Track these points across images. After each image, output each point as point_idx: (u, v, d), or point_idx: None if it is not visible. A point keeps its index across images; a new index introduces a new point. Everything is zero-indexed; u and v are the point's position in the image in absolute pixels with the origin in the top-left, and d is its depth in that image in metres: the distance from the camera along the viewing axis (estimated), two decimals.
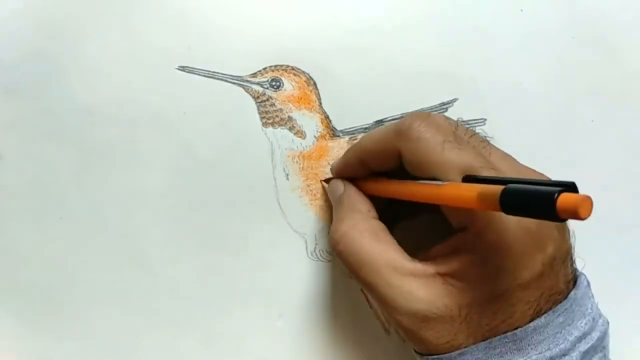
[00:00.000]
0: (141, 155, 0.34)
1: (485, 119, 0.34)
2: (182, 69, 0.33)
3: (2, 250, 0.34)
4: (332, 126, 0.34)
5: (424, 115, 0.27)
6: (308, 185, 0.34)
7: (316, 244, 0.34)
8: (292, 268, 0.34)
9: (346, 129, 0.34)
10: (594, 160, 0.34)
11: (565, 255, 0.26)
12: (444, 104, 0.34)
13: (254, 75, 0.33)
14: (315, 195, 0.34)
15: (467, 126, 0.34)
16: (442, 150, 0.25)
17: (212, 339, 0.34)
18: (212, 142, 0.34)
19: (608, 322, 0.27)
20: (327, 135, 0.34)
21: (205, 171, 0.34)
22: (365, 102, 0.34)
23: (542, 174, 0.27)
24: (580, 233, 0.34)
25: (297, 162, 0.34)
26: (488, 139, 0.28)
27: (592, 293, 0.27)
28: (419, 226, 0.31)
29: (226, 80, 0.33)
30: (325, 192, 0.33)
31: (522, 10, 0.34)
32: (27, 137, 0.34)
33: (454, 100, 0.34)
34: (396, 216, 0.31)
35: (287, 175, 0.34)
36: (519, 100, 0.34)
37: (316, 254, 0.34)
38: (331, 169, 0.33)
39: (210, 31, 0.34)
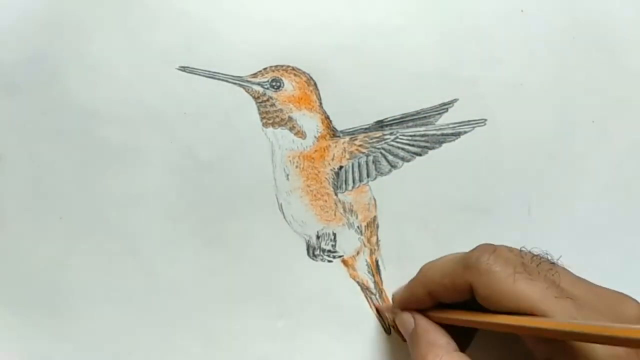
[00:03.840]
0: (141, 155, 0.34)
1: (485, 119, 0.34)
2: (183, 69, 0.33)
3: (2, 250, 0.34)
4: (333, 126, 0.34)
5: (490, 248, 0.27)
6: (308, 186, 0.34)
7: (316, 244, 0.34)
8: (292, 268, 0.34)
9: (346, 129, 0.34)
10: (594, 160, 0.34)
11: None
12: (444, 104, 0.34)
13: (255, 75, 0.33)
14: (315, 195, 0.34)
15: (468, 126, 0.34)
16: (513, 282, 0.25)
17: (212, 339, 0.34)
18: (212, 142, 0.34)
19: None
20: (328, 135, 0.34)
21: (205, 171, 0.34)
22: (365, 102, 0.34)
23: (618, 293, 0.27)
24: (580, 233, 0.34)
25: (297, 162, 0.34)
26: (555, 261, 0.28)
27: None
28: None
29: (226, 81, 0.33)
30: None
31: (522, 11, 0.34)
32: (27, 137, 0.34)
33: (454, 100, 0.34)
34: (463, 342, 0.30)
35: (287, 175, 0.34)
36: (519, 100, 0.34)
37: (316, 254, 0.34)
38: (393, 299, 0.33)
39: (210, 31, 0.33)
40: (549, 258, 0.28)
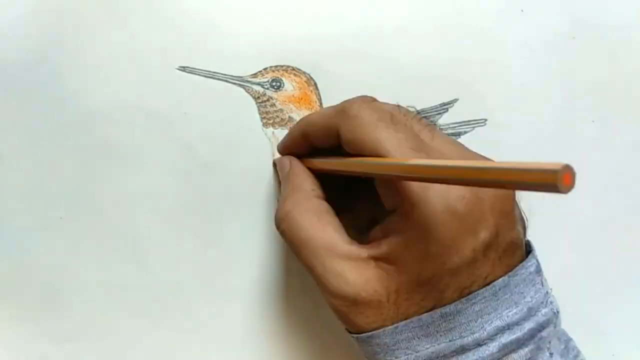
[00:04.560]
0: (141, 155, 0.34)
1: (485, 119, 0.34)
2: (183, 69, 0.33)
3: (2, 250, 0.34)
4: None
5: (368, 98, 0.28)
6: None
7: None
8: (292, 268, 0.34)
9: None
10: (595, 160, 0.34)
11: (507, 244, 0.25)
12: (444, 104, 0.34)
13: (255, 75, 0.33)
14: None
15: (468, 126, 0.34)
16: (374, 129, 0.25)
17: (212, 339, 0.34)
18: (212, 142, 0.34)
19: (556, 312, 0.26)
20: None
21: (205, 171, 0.34)
22: None
23: (491, 160, 0.26)
24: (580, 233, 0.34)
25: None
26: (438, 126, 0.27)
27: (541, 281, 0.26)
28: (365, 209, 0.30)
29: (226, 81, 0.33)
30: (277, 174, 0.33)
31: (522, 11, 0.34)
32: (27, 137, 0.34)
33: (454, 100, 0.34)
34: (351, 198, 0.30)
35: None
36: (519, 100, 0.34)
37: None
38: (277, 147, 0.33)
39: (210, 31, 0.33)
40: (431, 120, 0.27)
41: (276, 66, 0.34)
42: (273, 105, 0.34)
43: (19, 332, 0.34)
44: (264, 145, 0.34)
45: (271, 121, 0.34)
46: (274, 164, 0.33)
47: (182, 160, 0.34)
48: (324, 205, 0.28)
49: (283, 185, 0.30)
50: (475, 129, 0.34)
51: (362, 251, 0.25)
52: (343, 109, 0.27)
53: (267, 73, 0.33)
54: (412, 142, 0.25)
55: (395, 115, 0.26)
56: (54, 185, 0.34)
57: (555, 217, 0.34)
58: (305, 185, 0.29)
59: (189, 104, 0.34)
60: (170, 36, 0.33)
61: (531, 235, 0.34)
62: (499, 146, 0.34)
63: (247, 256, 0.34)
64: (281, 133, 0.34)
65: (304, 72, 0.34)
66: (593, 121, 0.35)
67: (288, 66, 0.34)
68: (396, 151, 0.25)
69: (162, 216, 0.34)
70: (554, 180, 0.15)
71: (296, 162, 0.30)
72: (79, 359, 0.34)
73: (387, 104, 0.27)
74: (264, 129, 0.34)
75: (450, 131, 0.34)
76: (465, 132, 0.34)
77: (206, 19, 0.34)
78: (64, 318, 0.34)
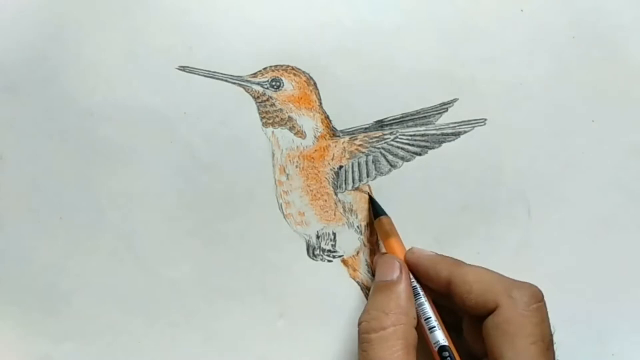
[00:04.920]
0: (141, 155, 0.34)
1: (485, 119, 0.34)
2: (183, 69, 0.33)
3: (2, 250, 0.34)
4: (333, 126, 0.34)
5: (539, 295, 0.28)
6: (308, 186, 0.34)
7: (316, 244, 0.34)
8: (292, 268, 0.34)
9: (346, 129, 0.34)
10: (594, 160, 0.34)
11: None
12: (444, 104, 0.34)
13: (255, 75, 0.33)
14: (315, 195, 0.34)
15: (468, 126, 0.34)
16: (531, 344, 0.26)
17: (212, 339, 0.34)
18: (212, 142, 0.34)
19: None
20: (328, 135, 0.34)
21: (205, 171, 0.34)
22: (365, 102, 0.34)
23: None
24: (580, 233, 0.34)
25: (297, 162, 0.34)
26: None
27: None
28: None
29: (226, 81, 0.33)
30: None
31: (522, 11, 0.34)
32: (27, 137, 0.34)
33: (454, 100, 0.34)
34: None
35: (288, 175, 0.34)
36: (519, 100, 0.34)
37: (316, 254, 0.34)
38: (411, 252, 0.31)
39: (210, 31, 0.33)
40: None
41: (276, 66, 0.34)
42: (273, 105, 0.34)
43: (19, 332, 0.34)
44: (264, 145, 0.34)
45: (271, 121, 0.34)
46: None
47: (182, 160, 0.34)
48: (415, 340, 0.27)
49: (385, 293, 0.29)
50: (475, 129, 0.34)
51: None
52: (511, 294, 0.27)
53: (267, 73, 0.33)
54: None
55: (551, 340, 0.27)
56: (53, 185, 0.34)
57: (555, 217, 0.34)
58: (411, 311, 0.28)
59: (189, 104, 0.33)
60: (170, 36, 0.33)
61: (532, 235, 0.34)
62: (498, 146, 0.34)
63: (247, 256, 0.34)
64: (281, 133, 0.34)
65: (304, 72, 0.34)
66: (593, 121, 0.35)
67: (288, 66, 0.34)
68: None
69: (162, 216, 0.34)
70: None
71: (409, 278, 0.29)
72: (79, 359, 0.34)
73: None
74: (264, 129, 0.34)
75: (450, 131, 0.34)
76: (465, 132, 0.34)
77: (207, 19, 0.34)
78: (64, 318, 0.34)
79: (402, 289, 0.28)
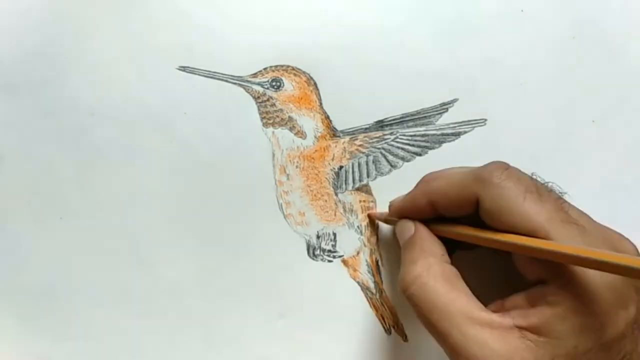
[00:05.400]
0: (141, 155, 0.34)
1: (485, 119, 0.34)
2: (183, 69, 0.33)
3: (2, 250, 0.34)
4: (333, 126, 0.34)
5: (504, 165, 0.27)
6: (308, 186, 0.34)
7: (316, 244, 0.34)
8: (292, 268, 0.34)
9: (346, 129, 0.34)
10: (594, 160, 0.34)
11: None
12: (444, 104, 0.34)
13: (255, 75, 0.33)
14: (315, 195, 0.34)
15: (468, 126, 0.34)
16: (523, 200, 0.25)
17: (212, 339, 0.34)
18: (212, 142, 0.34)
19: None
20: (328, 135, 0.34)
21: (205, 171, 0.34)
22: (365, 102, 0.34)
23: (614, 231, 0.27)
24: None
25: (297, 162, 0.34)
26: (562, 194, 0.27)
27: None
28: (485, 272, 0.30)
29: (226, 81, 0.33)
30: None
31: (522, 11, 0.34)
32: (27, 137, 0.34)
33: (454, 100, 0.34)
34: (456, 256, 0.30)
35: (288, 175, 0.34)
36: (519, 100, 0.34)
37: (316, 254, 0.34)
38: (390, 207, 0.32)
39: (210, 31, 0.33)
40: (559, 191, 0.27)
41: (276, 66, 0.34)
42: (273, 105, 0.34)
43: (19, 332, 0.34)
44: (264, 145, 0.34)
45: (271, 121, 0.34)
46: (370, 218, 0.33)
47: (182, 160, 0.34)
48: (455, 271, 0.28)
49: (406, 248, 0.29)
50: (475, 129, 0.34)
51: (506, 320, 0.25)
52: (482, 177, 0.26)
53: (267, 73, 0.33)
54: (560, 214, 0.25)
55: (538, 186, 0.26)
56: (53, 185, 0.34)
57: None
58: (436, 249, 0.28)
59: (189, 104, 0.34)
60: (170, 36, 0.33)
61: None
62: (498, 146, 0.34)
63: (247, 256, 0.34)
64: (281, 133, 0.34)
65: (304, 72, 0.34)
66: (593, 121, 0.35)
67: (288, 66, 0.34)
68: (548, 224, 0.25)
69: (162, 216, 0.34)
70: None
71: (422, 226, 0.30)
72: (79, 359, 0.34)
73: (521, 172, 0.27)
74: (264, 129, 0.34)
75: (450, 131, 0.34)
76: (465, 132, 0.34)
77: (206, 19, 0.34)
78: (64, 318, 0.34)
79: (419, 236, 0.29)
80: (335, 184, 0.34)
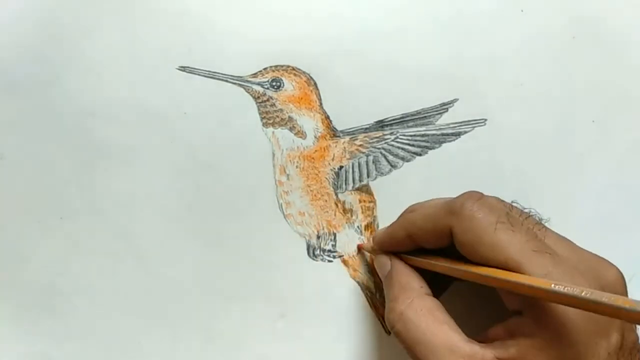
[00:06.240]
0: (141, 155, 0.34)
1: (485, 119, 0.34)
2: (183, 69, 0.33)
3: (2, 250, 0.34)
4: (333, 126, 0.34)
5: (477, 195, 0.27)
6: (308, 186, 0.34)
7: (316, 244, 0.34)
8: (292, 268, 0.34)
9: (346, 129, 0.34)
10: (595, 160, 0.34)
11: (632, 345, 0.25)
12: (444, 104, 0.34)
13: (255, 75, 0.33)
14: (315, 195, 0.34)
15: (468, 126, 0.34)
16: (494, 231, 0.25)
17: (212, 339, 0.34)
18: (212, 142, 0.34)
19: None
20: (328, 135, 0.34)
21: (205, 171, 0.34)
22: (365, 102, 0.34)
23: (600, 257, 0.26)
24: (579, 233, 0.34)
25: (297, 162, 0.34)
26: (543, 221, 0.27)
27: None
28: (474, 300, 0.30)
29: (226, 81, 0.33)
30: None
31: (522, 11, 0.35)
32: (27, 137, 0.34)
33: (454, 100, 0.34)
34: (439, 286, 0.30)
35: (288, 175, 0.34)
36: (520, 100, 0.34)
37: (316, 254, 0.34)
38: (373, 239, 0.32)
39: (210, 31, 0.34)
40: (538, 217, 0.27)
41: (276, 66, 0.34)
42: (273, 105, 0.34)
43: (19, 332, 0.34)
44: (264, 145, 0.34)
45: (271, 121, 0.34)
46: (359, 250, 0.34)
47: (182, 160, 0.34)
48: (436, 303, 0.28)
49: (386, 284, 0.30)
50: (475, 129, 0.34)
51: (487, 352, 0.25)
52: (454, 210, 0.26)
53: (267, 73, 0.33)
54: (532, 243, 0.25)
55: (511, 214, 0.26)
56: (54, 185, 0.34)
57: (555, 217, 0.34)
58: (413, 283, 0.29)
59: (189, 104, 0.34)
60: (170, 36, 0.33)
61: None
62: (498, 146, 0.34)
63: (247, 256, 0.34)
64: (281, 133, 0.34)
65: (304, 72, 0.34)
66: (593, 121, 0.35)
67: (288, 66, 0.34)
68: (519, 255, 0.24)
69: (162, 216, 0.34)
70: None
71: (397, 261, 0.30)
72: (79, 359, 0.34)
73: (498, 200, 0.27)
74: (264, 129, 0.34)
75: (450, 131, 0.34)
76: (465, 132, 0.34)
77: (206, 19, 0.34)
78: (64, 318, 0.34)
79: (396, 272, 0.30)
80: (335, 184, 0.34)
